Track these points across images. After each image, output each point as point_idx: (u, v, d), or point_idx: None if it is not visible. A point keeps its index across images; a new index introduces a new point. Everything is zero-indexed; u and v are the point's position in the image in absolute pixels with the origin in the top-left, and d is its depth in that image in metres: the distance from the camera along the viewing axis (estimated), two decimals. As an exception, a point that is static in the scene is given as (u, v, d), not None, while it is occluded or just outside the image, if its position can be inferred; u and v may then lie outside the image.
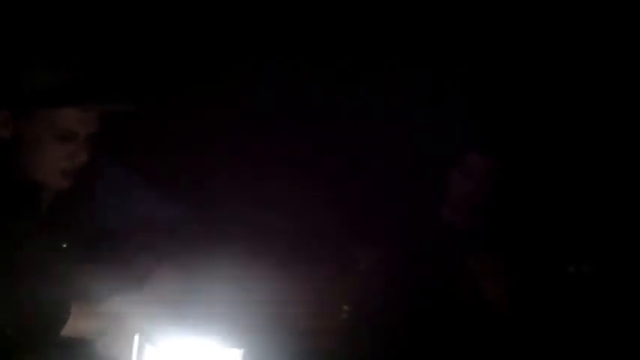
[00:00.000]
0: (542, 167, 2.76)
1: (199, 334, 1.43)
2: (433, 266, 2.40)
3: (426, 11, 2.84)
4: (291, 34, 2.79)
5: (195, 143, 2.66)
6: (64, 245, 1.76)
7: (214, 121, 2.68)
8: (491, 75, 2.86)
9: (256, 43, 2.77)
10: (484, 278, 2.40)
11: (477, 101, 2.72)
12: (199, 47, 2.74)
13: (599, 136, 2.81)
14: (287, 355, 2.01)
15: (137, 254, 1.88)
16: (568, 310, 2.41)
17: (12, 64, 1.72)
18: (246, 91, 2.73)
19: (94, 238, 1.84)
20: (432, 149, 2.52)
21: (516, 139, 2.60)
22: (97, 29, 2.46)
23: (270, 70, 2.73)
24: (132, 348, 1.45)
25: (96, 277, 1.73)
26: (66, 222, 1.80)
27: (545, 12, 2.83)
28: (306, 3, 2.80)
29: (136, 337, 1.46)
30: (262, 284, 2.12)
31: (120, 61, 2.43)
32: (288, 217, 2.42)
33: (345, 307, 2.30)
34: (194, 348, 1.41)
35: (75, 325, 1.61)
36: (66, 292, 1.66)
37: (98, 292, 1.68)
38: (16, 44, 1.77)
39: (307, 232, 2.40)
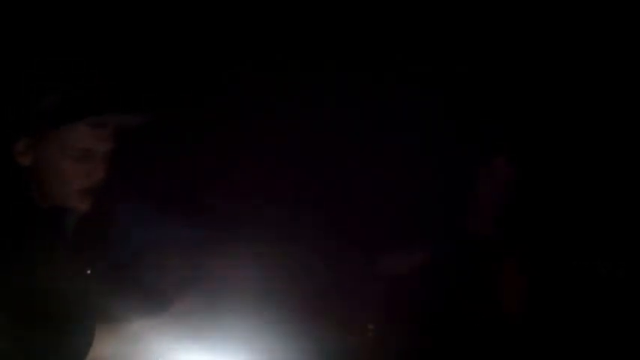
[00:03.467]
0: (565, 173, 2.73)
1: (220, 356, 1.45)
2: (459, 275, 2.40)
3: (453, 16, 2.83)
4: (307, 39, 2.79)
5: (214, 165, 2.67)
6: (88, 272, 1.79)
7: (234, 142, 2.69)
8: (512, 81, 2.83)
9: (270, 52, 2.77)
10: (510, 286, 2.39)
11: (498, 108, 2.71)
12: (210, 61, 2.74)
13: (625, 144, 2.78)
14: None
15: (158, 277, 1.90)
16: (592, 317, 2.40)
17: (25, 89, 1.73)
18: (266, 111, 2.74)
19: (115, 262, 1.86)
20: (456, 157, 2.51)
21: (540, 146, 2.58)
22: (108, 47, 2.48)
23: (290, 79, 2.74)
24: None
25: (118, 300, 1.76)
26: (89, 247, 1.83)
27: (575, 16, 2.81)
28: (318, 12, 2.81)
29: (158, 361, 1.48)
30: (285, 303, 2.13)
31: (133, 76, 2.44)
32: (313, 231, 2.43)
33: (371, 327, 2.30)
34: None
35: (98, 349, 1.64)
36: (90, 316, 1.69)
37: (120, 316, 1.71)
38: (26, 66, 1.79)
39: (331, 246, 2.41)
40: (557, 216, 2.57)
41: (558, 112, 2.78)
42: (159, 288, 1.86)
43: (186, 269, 1.91)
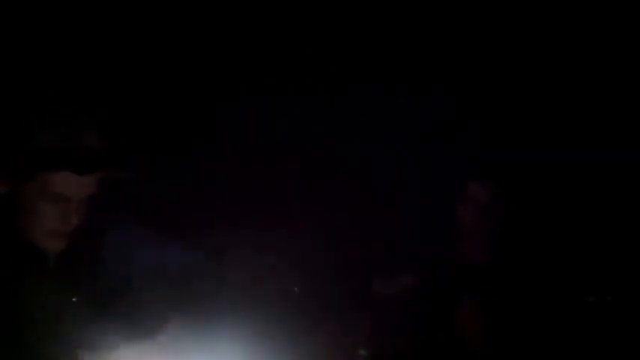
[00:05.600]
0: (552, 194, 2.74)
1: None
2: (449, 303, 2.39)
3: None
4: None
5: (202, 192, 2.67)
6: (74, 299, 1.77)
7: (220, 172, 2.69)
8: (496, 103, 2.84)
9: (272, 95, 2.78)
10: (499, 314, 2.39)
11: (483, 131, 2.71)
12: (201, 111, 2.76)
13: (608, 171, 2.79)
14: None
15: (147, 305, 1.88)
16: (585, 344, 2.39)
17: (13, 126, 1.74)
18: (260, 137, 2.75)
19: (103, 290, 1.84)
20: (443, 184, 2.51)
21: (524, 168, 2.58)
22: (97, 96, 2.48)
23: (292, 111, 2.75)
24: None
25: (105, 328, 1.74)
26: (75, 276, 1.81)
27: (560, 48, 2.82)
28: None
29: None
30: (275, 331, 2.11)
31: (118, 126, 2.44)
32: (301, 261, 2.42)
33: (362, 352, 2.28)
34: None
35: None
36: (75, 344, 1.67)
37: (108, 344, 1.69)
38: (17, 107, 1.79)
39: (319, 278, 2.40)
40: (545, 244, 2.57)
41: (543, 138, 2.79)
42: (147, 314, 1.84)
43: (175, 294, 1.89)
